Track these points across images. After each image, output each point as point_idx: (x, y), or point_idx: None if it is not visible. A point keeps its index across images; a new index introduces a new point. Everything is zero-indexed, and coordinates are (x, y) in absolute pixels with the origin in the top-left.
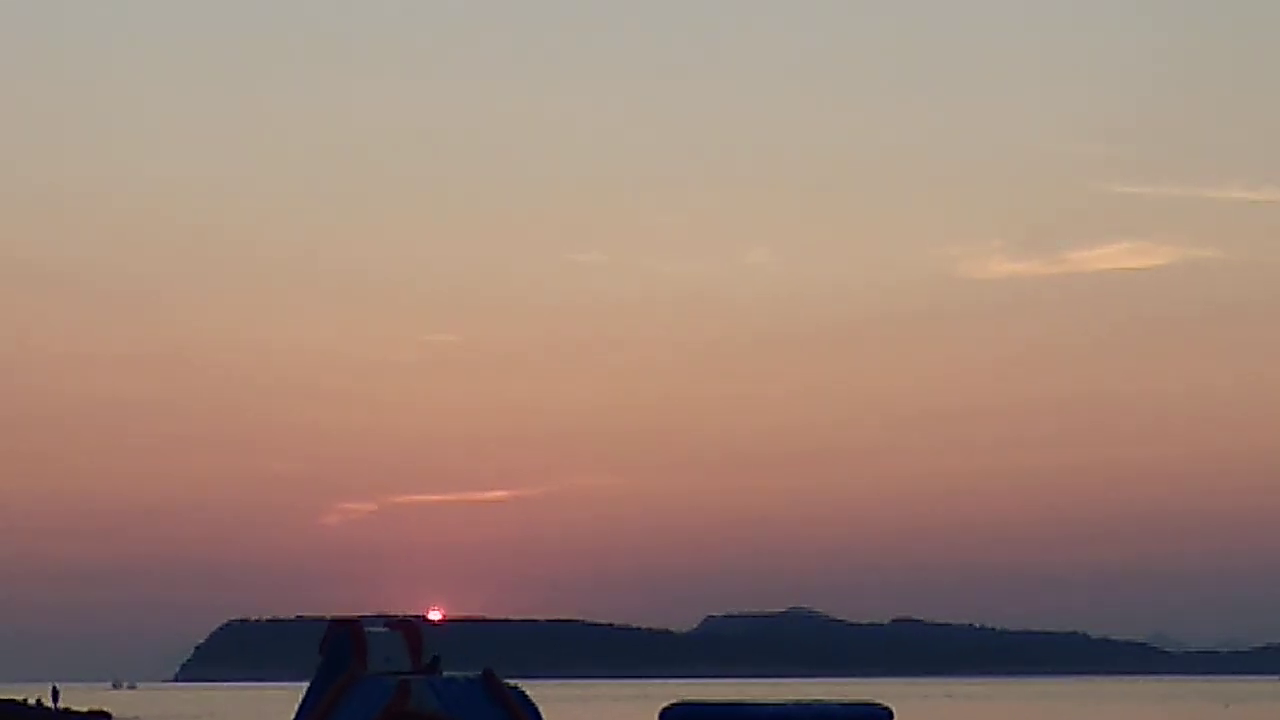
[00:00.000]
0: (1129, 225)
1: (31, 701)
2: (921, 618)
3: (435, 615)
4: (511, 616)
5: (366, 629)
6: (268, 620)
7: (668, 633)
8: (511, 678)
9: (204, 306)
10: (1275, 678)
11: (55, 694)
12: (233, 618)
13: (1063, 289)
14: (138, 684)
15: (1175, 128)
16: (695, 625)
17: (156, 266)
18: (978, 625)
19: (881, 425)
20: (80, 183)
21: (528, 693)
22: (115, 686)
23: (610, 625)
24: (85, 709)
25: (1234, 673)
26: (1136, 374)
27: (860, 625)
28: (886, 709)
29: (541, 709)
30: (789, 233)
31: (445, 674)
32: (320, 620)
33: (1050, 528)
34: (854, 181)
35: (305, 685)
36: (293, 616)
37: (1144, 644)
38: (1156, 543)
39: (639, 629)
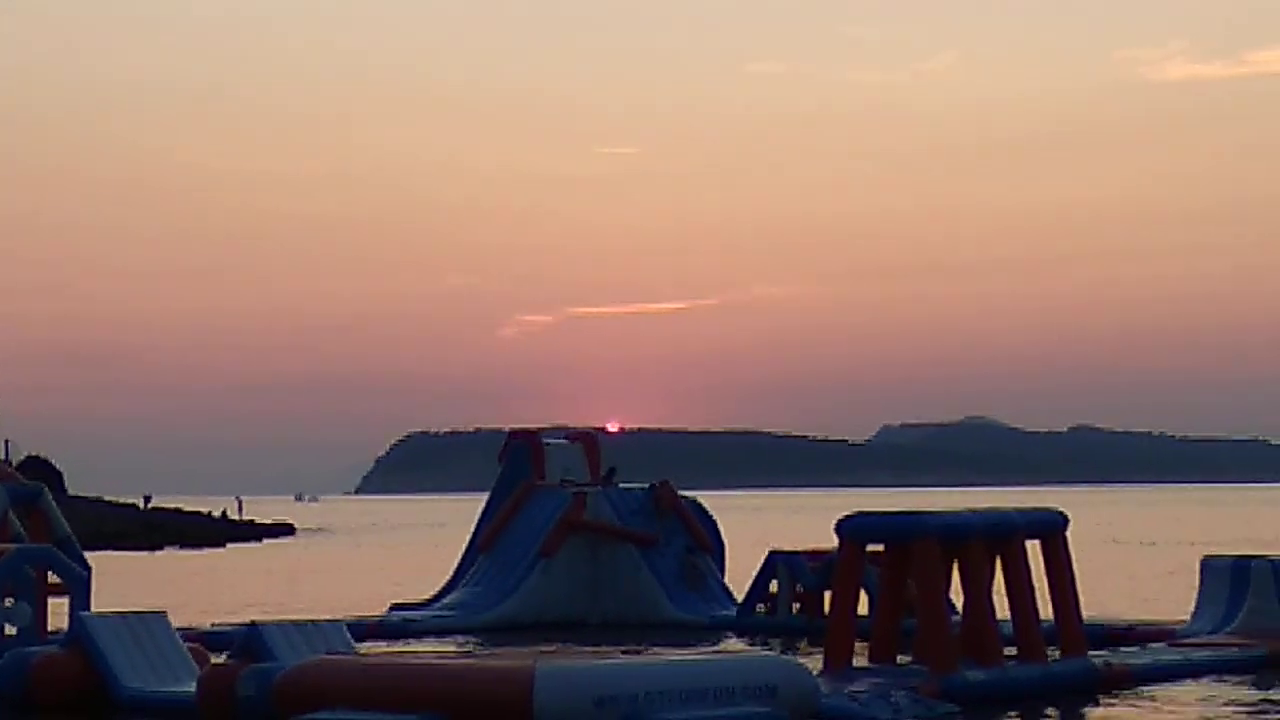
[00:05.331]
0: None
1: (217, 513)
2: (1100, 425)
3: (612, 427)
4: (688, 427)
5: (545, 440)
6: (446, 432)
7: (844, 442)
8: (687, 489)
9: (384, 128)
10: None
11: (240, 506)
12: (412, 430)
13: (1245, 92)
14: (320, 496)
15: None
16: (871, 435)
17: (339, 91)
18: (1156, 433)
19: (1059, 233)
20: (267, 12)
21: (704, 503)
22: (298, 499)
23: (787, 435)
24: (269, 521)
25: None
26: None
27: (1037, 433)
28: (1062, 513)
29: (718, 519)
30: (971, 39)
31: (621, 485)
32: (499, 432)
33: (1230, 334)
34: None
35: (484, 496)
36: (471, 429)
37: None
38: None
39: (815, 439)
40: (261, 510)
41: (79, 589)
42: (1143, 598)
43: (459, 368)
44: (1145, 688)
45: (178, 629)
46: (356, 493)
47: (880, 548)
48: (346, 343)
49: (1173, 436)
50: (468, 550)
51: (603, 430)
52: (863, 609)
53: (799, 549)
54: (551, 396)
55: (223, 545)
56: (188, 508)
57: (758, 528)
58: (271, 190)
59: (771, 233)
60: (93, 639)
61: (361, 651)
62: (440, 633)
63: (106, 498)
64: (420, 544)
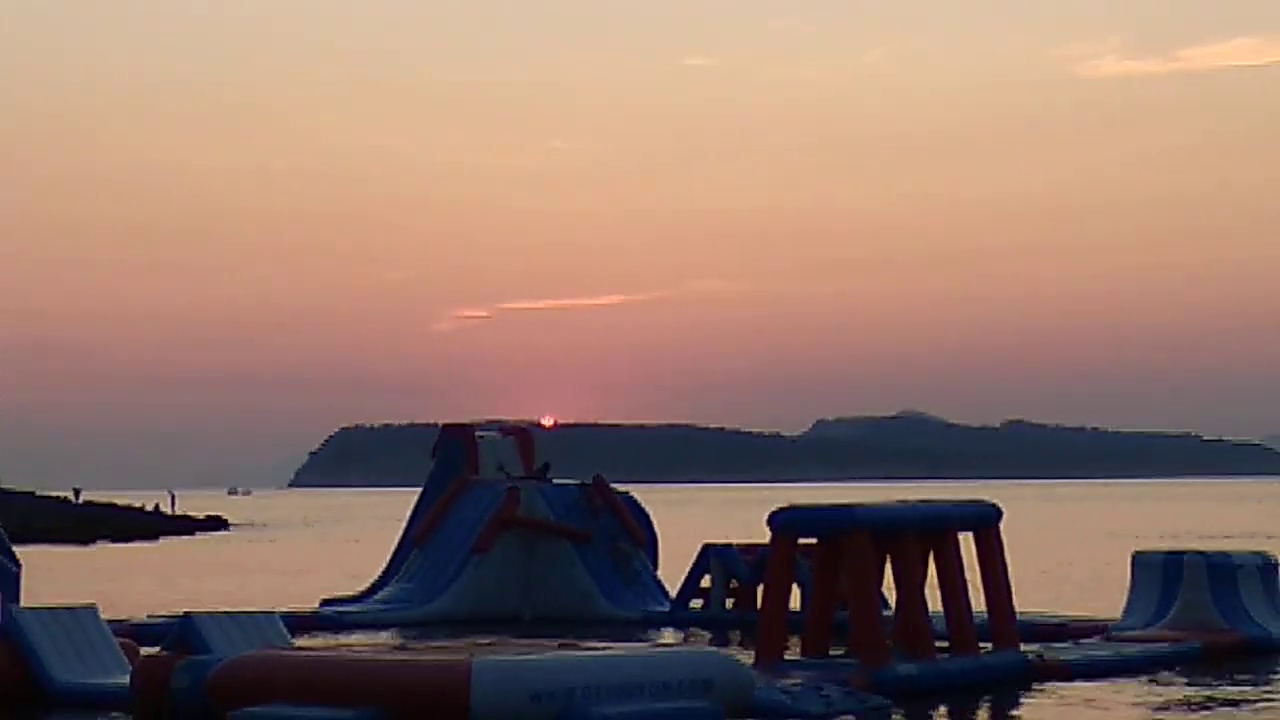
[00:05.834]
0: (1245, 22)
1: (149, 507)
2: (1034, 420)
3: (547, 421)
4: (622, 422)
5: (478, 435)
6: (381, 426)
7: (779, 437)
8: (621, 483)
9: (317, 122)
10: None
11: (173, 500)
12: (346, 424)
13: (1178, 87)
14: (253, 490)
15: None
16: (806, 429)
17: (273, 85)
18: (1089, 427)
19: (994, 228)
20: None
21: (638, 498)
22: (231, 493)
23: (721, 429)
24: (202, 515)
25: None
26: (1253, 172)
27: (972, 428)
28: (995, 506)
29: (651, 513)
30: (906, 35)
31: (555, 480)
32: (433, 426)
33: (1163, 329)
34: None
35: (418, 491)
36: (406, 423)
37: (1257, 445)
38: (1269, 344)
39: (750, 433)
40: (194, 504)
41: (9, 583)
42: (1076, 592)
43: (393, 362)
44: (1077, 682)
45: (110, 622)
46: (290, 486)
47: (813, 541)
48: (280, 336)
49: (1106, 431)
50: (401, 545)
51: (537, 425)
52: (796, 603)
53: (733, 543)
54: (486, 391)
55: (155, 539)
56: (120, 502)
57: (692, 522)
58: (203, 185)
59: (706, 228)
60: (23, 633)
61: (296, 645)
62: (373, 627)
63: (37, 492)
64: (353, 538)
